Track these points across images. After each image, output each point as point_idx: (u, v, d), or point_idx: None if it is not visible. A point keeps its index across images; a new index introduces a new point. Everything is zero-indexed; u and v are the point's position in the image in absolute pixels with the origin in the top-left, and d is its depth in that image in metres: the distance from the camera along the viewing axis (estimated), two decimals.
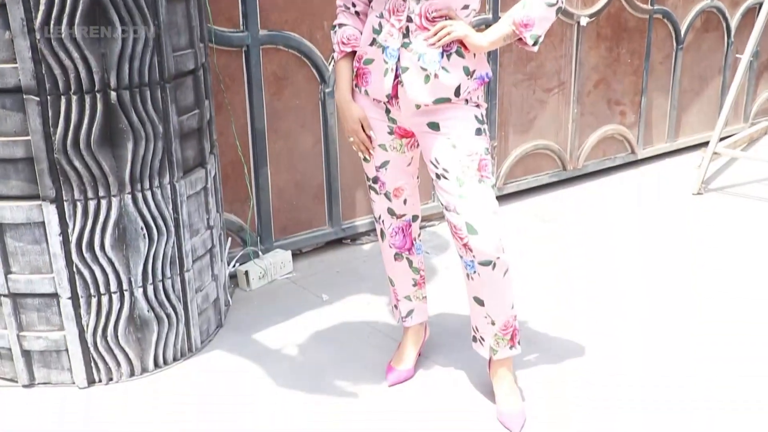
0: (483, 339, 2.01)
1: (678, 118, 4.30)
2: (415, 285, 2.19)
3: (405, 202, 2.06)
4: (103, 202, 2.00)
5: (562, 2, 1.76)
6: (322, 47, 2.83)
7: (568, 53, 3.64)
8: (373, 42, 1.84)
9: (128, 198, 2.03)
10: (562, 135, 3.78)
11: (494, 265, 1.85)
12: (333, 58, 1.96)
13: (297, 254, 3.02)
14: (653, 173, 4.10)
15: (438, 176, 1.87)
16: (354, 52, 1.91)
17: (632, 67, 3.94)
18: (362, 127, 1.93)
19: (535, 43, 1.79)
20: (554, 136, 3.75)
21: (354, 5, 1.92)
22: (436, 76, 1.79)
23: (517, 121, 3.59)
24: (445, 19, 1.79)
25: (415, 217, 2.12)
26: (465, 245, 1.85)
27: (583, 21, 3.60)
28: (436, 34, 1.77)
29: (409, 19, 1.78)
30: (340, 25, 1.92)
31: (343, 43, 1.90)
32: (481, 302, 1.94)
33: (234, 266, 2.79)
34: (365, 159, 2.01)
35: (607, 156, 4.04)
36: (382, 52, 1.83)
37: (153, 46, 1.98)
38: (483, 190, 1.84)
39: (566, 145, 3.81)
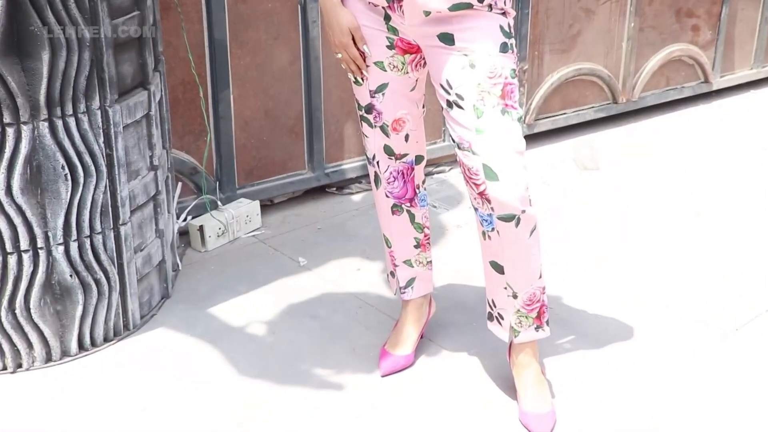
0: (502, 317, 2.02)
1: None
2: (417, 246, 2.20)
3: (407, 138, 2.06)
4: (10, 131, 1.97)
5: None
6: None
7: None
8: None
9: (44, 126, 2.00)
10: (613, 56, 3.73)
11: (518, 220, 1.86)
12: None
13: (267, 206, 3.02)
14: (733, 109, 4.07)
15: (450, 104, 1.87)
16: None
17: None
18: (353, 39, 1.91)
19: None
20: (603, 58, 3.70)
21: None
22: None
23: (555, 38, 3.54)
24: None
25: (419, 159, 2.12)
26: (481, 194, 1.85)
27: None
28: None
29: None
30: None
31: None
32: (500, 269, 1.94)
33: (185, 220, 2.79)
34: (357, 81, 2.00)
35: (672, 85, 4.00)
36: None
37: None
38: (507, 123, 1.84)
39: (618, 70, 3.77)
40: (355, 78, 1.98)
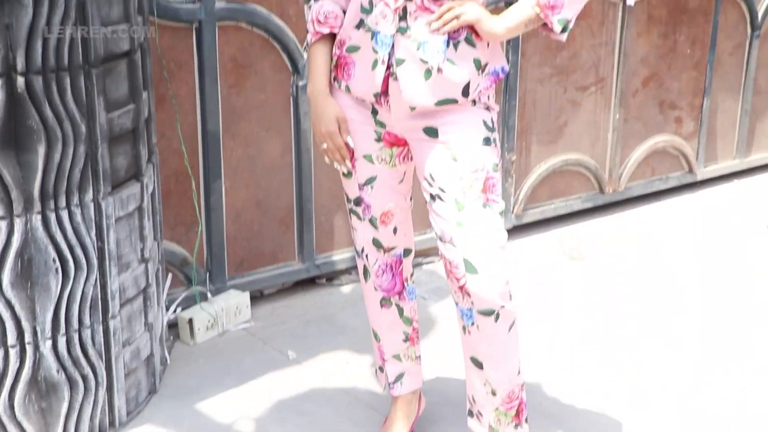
0: (481, 414, 2.00)
1: (751, 127, 4.32)
2: (406, 340, 2.18)
3: (395, 231, 2.07)
4: (2, 225, 1.96)
5: None
6: (296, 27, 2.82)
7: (610, 41, 3.66)
8: (361, 24, 1.86)
9: (37, 220, 1.99)
10: (599, 147, 3.78)
11: (497, 315, 1.87)
12: (307, 42, 1.97)
13: (257, 297, 3.00)
14: (718, 199, 4.11)
15: (432, 197, 1.90)
16: (332, 35, 1.93)
17: (693, 59, 3.96)
18: (339, 129, 1.94)
19: (564, 30, 1.83)
20: (589, 149, 3.74)
21: None
22: (439, 70, 1.82)
23: (542, 129, 3.58)
24: None
25: (407, 252, 2.12)
26: (461, 288, 1.87)
27: (630, 0, 3.62)
28: (441, 18, 1.80)
29: None
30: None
31: (319, 21, 1.92)
32: (479, 364, 1.94)
33: (175, 312, 2.76)
34: (346, 174, 2.01)
35: (658, 176, 4.04)
36: (372, 39, 1.84)
37: (76, 18, 1.95)
38: (488, 217, 1.86)
39: (605, 160, 3.81)
40: (345, 171, 2.00)
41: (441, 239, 1.88)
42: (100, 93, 2.04)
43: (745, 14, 4.09)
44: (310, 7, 1.94)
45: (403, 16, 1.81)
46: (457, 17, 1.79)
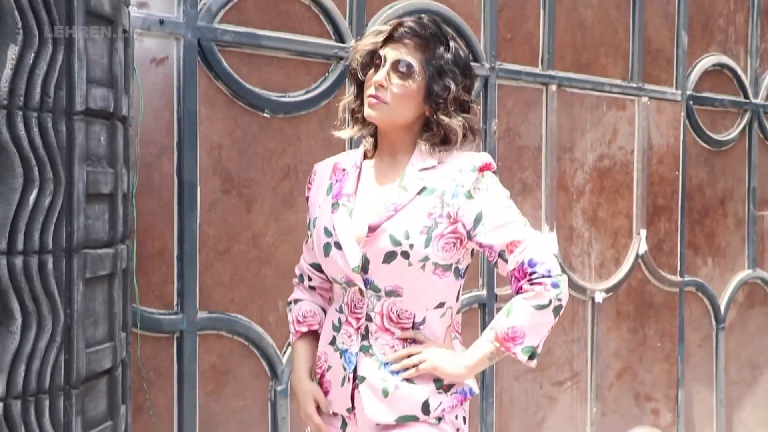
0: None
1: (728, 416, 4.33)
2: None
3: None
4: None
5: (560, 298, 1.81)
6: (276, 333, 2.89)
7: (582, 337, 3.75)
8: (333, 341, 1.95)
9: None
10: None
11: None
12: (290, 341, 2.07)
13: None
14: None
15: None
16: (314, 333, 2.03)
17: (663, 352, 4.05)
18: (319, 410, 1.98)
19: (531, 357, 1.82)
20: None
21: (309, 279, 2.09)
22: (396, 387, 1.86)
23: (520, 425, 3.57)
24: (411, 343, 1.87)
25: None
26: None
27: (599, 297, 3.76)
28: (399, 361, 1.87)
29: (369, 318, 1.89)
30: (296, 301, 2.09)
31: (299, 321, 2.05)
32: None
33: None
34: None
35: None
36: (341, 357, 1.92)
37: (61, 342, 1.98)
38: None
39: None
40: None
41: None
42: (78, 413, 2.01)
43: (709, 308, 4.25)
44: (290, 309, 2.08)
45: (366, 335, 1.88)
46: (415, 365, 1.85)
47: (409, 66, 1.83)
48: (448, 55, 1.86)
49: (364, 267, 1.85)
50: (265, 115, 2.86)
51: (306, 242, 2.11)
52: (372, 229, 1.83)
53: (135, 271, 2.55)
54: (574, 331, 3.72)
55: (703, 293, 4.24)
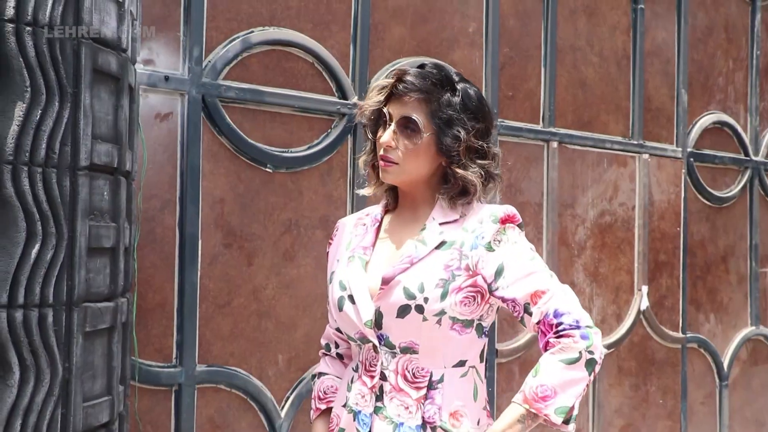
0: None
1: None
2: None
3: None
4: None
5: (592, 351, 1.66)
6: (275, 387, 2.89)
7: (585, 395, 3.73)
8: (346, 403, 1.86)
9: None
10: None
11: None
12: (311, 413, 2.00)
13: None
14: None
15: None
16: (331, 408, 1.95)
17: (666, 409, 4.01)
18: None
19: (567, 421, 1.66)
20: None
21: (336, 345, 2.00)
22: None
23: None
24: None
25: None
26: None
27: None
28: None
29: (383, 376, 1.80)
30: (320, 374, 1.99)
31: (320, 398, 1.96)
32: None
33: None
34: None
35: None
36: (354, 419, 1.84)
37: (59, 396, 1.98)
38: None
39: None
40: None
41: None
42: None
43: (712, 365, 4.22)
44: (314, 383, 2.00)
45: (380, 395, 1.79)
46: None
47: (415, 123, 1.77)
48: (456, 100, 1.77)
49: (378, 322, 1.78)
50: (267, 169, 2.89)
51: (329, 305, 2.00)
52: (385, 282, 1.76)
53: (135, 324, 2.56)
54: None
55: (706, 350, 4.22)
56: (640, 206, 3.98)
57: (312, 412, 1.98)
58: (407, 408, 1.79)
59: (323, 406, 1.95)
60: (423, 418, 1.78)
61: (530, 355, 3.53)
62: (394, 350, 1.79)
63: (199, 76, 2.74)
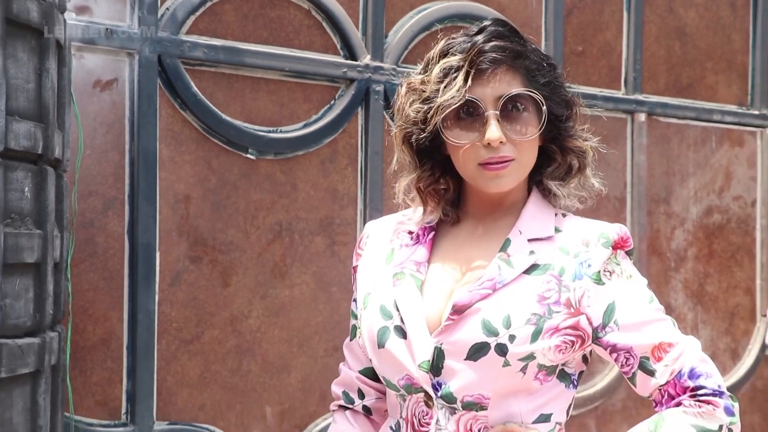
0: None
1: None
2: None
3: None
4: None
5: (732, 430, 1.71)
6: None
7: None
8: None
9: None
10: None
11: None
12: None
13: None
14: None
15: None
16: None
17: None
18: None
19: None
20: None
21: (361, 395, 1.96)
22: None
23: None
24: None
25: None
26: None
27: None
28: None
29: None
30: None
31: None
32: None
33: None
34: None
35: None
36: None
37: None
38: None
39: None
40: None
41: None
42: None
43: None
44: None
45: None
46: None
47: (527, 98, 1.75)
48: (542, 58, 1.77)
49: (436, 365, 1.76)
50: (249, 156, 2.90)
51: (349, 342, 1.99)
52: (458, 311, 1.75)
53: (69, 368, 2.57)
54: None
55: None
56: (764, 201, 3.95)
57: None
58: None
59: None
60: None
61: (611, 404, 3.52)
62: (454, 405, 1.77)
63: (153, 30, 2.75)
